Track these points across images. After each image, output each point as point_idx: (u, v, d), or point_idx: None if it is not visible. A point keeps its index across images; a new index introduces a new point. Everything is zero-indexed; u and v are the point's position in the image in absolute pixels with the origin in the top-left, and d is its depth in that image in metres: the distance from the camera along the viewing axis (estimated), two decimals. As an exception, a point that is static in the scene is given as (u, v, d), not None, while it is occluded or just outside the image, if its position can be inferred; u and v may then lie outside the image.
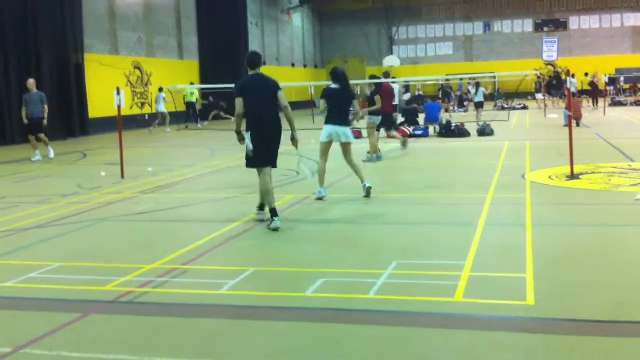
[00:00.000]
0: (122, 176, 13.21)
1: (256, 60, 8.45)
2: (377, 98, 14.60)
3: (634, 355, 4.12)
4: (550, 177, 11.38)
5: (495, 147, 17.03)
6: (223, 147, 19.14)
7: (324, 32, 55.66)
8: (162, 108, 27.67)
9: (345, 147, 10.24)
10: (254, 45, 42.56)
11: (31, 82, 17.77)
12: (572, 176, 11.25)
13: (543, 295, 5.20)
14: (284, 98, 8.35)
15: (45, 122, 17.44)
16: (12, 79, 23.27)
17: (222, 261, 6.77)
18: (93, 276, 6.25)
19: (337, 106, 10.13)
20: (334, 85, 10.18)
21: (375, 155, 14.84)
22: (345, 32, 54.19)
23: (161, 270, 6.33)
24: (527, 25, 51.17)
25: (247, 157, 8.36)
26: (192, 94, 28.99)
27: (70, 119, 25.89)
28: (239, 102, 8.18)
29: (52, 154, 17.72)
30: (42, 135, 17.59)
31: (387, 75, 18.50)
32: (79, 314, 5.18)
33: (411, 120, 22.43)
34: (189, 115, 29.14)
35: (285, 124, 8.30)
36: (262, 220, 8.45)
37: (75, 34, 26.18)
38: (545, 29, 50.32)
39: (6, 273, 6.44)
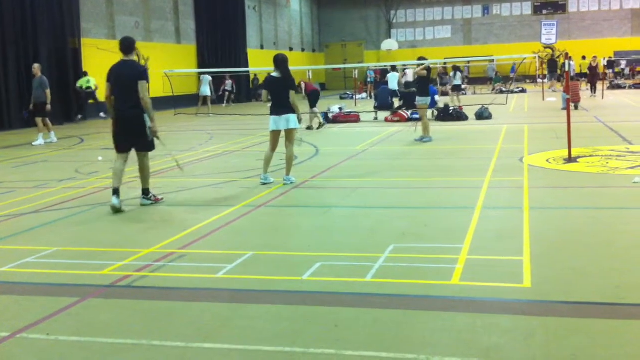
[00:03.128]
0: (120, 161, 13.16)
1: (126, 46, 8.52)
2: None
3: (634, 338, 4.12)
4: (548, 161, 11.37)
5: (494, 130, 17.00)
6: (222, 132, 19.08)
7: (322, 15, 55.39)
8: (207, 91, 27.82)
9: (288, 133, 10.05)
10: (251, 29, 42.43)
11: (35, 67, 18.05)
12: (570, 159, 11.23)
13: (540, 278, 5.20)
14: (143, 88, 8.35)
15: (48, 107, 17.65)
16: (10, 64, 23.17)
17: (219, 245, 6.76)
18: (90, 260, 6.25)
19: (276, 95, 9.94)
20: (274, 74, 10.00)
21: (428, 136, 15.15)
22: (344, 15, 53.94)
23: (158, 255, 6.33)
24: (526, 8, 50.92)
25: None
26: (88, 81, 27.74)
27: (68, 104, 25.80)
28: (107, 87, 8.57)
29: (54, 139, 18.17)
30: (45, 120, 17.93)
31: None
32: (76, 298, 5.18)
33: (410, 104, 22.35)
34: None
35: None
36: (152, 203, 8.86)
37: (73, 19, 26.04)
38: (544, 11, 50.08)
39: (2, 258, 6.44)
